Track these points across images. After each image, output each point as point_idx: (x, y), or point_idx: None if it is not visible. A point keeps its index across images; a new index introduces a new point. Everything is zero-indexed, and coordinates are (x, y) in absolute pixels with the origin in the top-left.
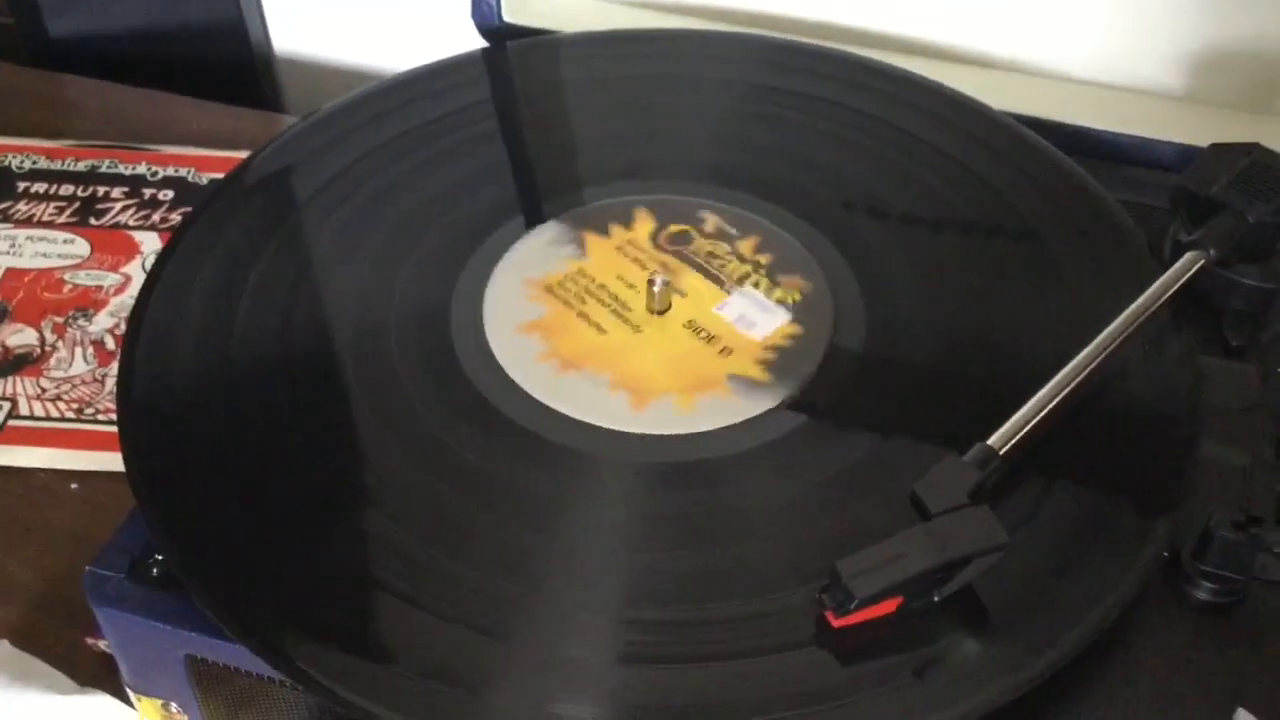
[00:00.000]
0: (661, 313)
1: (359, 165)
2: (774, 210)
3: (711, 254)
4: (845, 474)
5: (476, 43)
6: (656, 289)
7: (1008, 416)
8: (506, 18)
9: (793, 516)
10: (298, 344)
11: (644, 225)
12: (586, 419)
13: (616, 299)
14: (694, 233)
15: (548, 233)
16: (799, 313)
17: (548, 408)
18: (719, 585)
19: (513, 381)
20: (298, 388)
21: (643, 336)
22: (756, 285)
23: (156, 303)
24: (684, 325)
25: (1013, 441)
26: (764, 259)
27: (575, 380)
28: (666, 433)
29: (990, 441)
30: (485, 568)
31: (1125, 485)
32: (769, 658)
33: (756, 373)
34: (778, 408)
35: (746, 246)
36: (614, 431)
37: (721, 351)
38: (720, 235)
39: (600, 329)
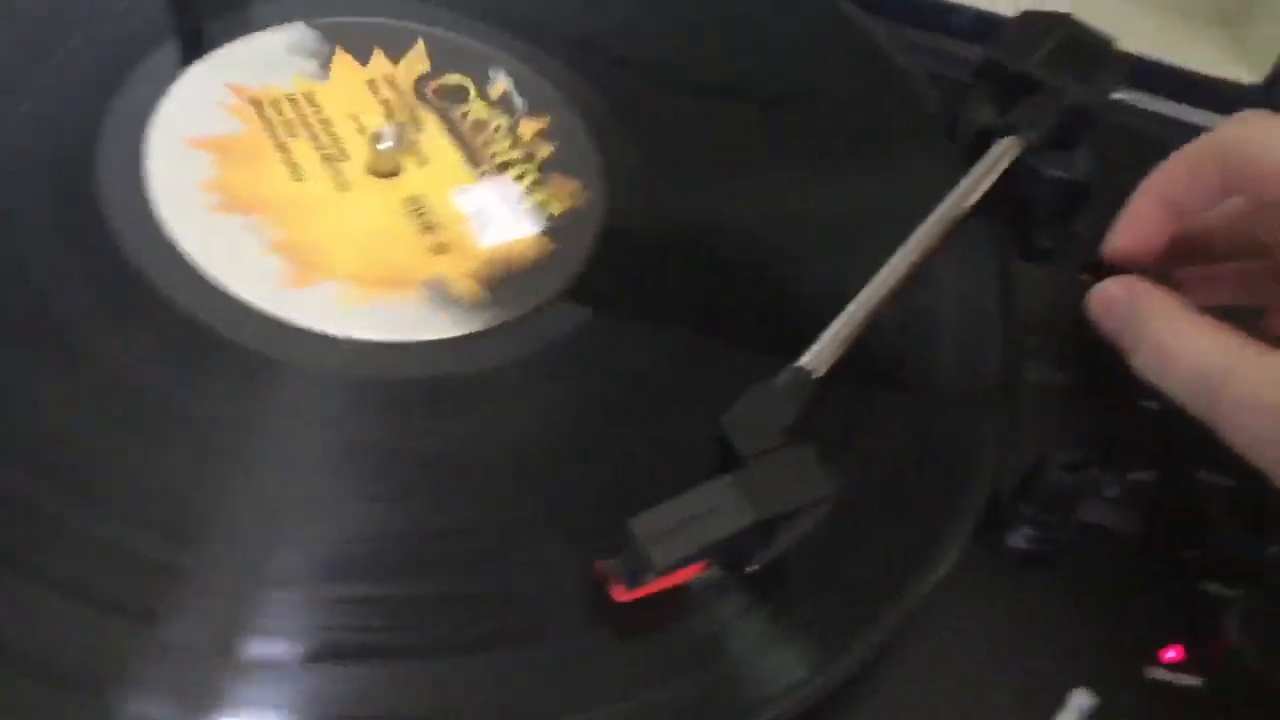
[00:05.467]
0: (384, 176)
1: None
2: (579, 85)
3: (481, 123)
4: (595, 413)
5: None
6: (383, 145)
7: (809, 329)
8: None
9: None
10: None
11: (416, 64)
12: (219, 279)
13: (336, 142)
14: (473, 92)
15: (291, 35)
16: (555, 229)
17: (174, 248)
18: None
19: (149, 206)
20: None
21: (347, 198)
22: (520, 178)
23: None
24: (404, 200)
25: (828, 362)
26: (543, 150)
27: (231, 225)
28: (317, 328)
29: (802, 362)
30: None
31: (942, 417)
32: (505, 648)
33: (464, 287)
34: (481, 333)
35: (529, 128)
36: (245, 306)
37: (435, 248)
38: (503, 104)
39: (297, 173)
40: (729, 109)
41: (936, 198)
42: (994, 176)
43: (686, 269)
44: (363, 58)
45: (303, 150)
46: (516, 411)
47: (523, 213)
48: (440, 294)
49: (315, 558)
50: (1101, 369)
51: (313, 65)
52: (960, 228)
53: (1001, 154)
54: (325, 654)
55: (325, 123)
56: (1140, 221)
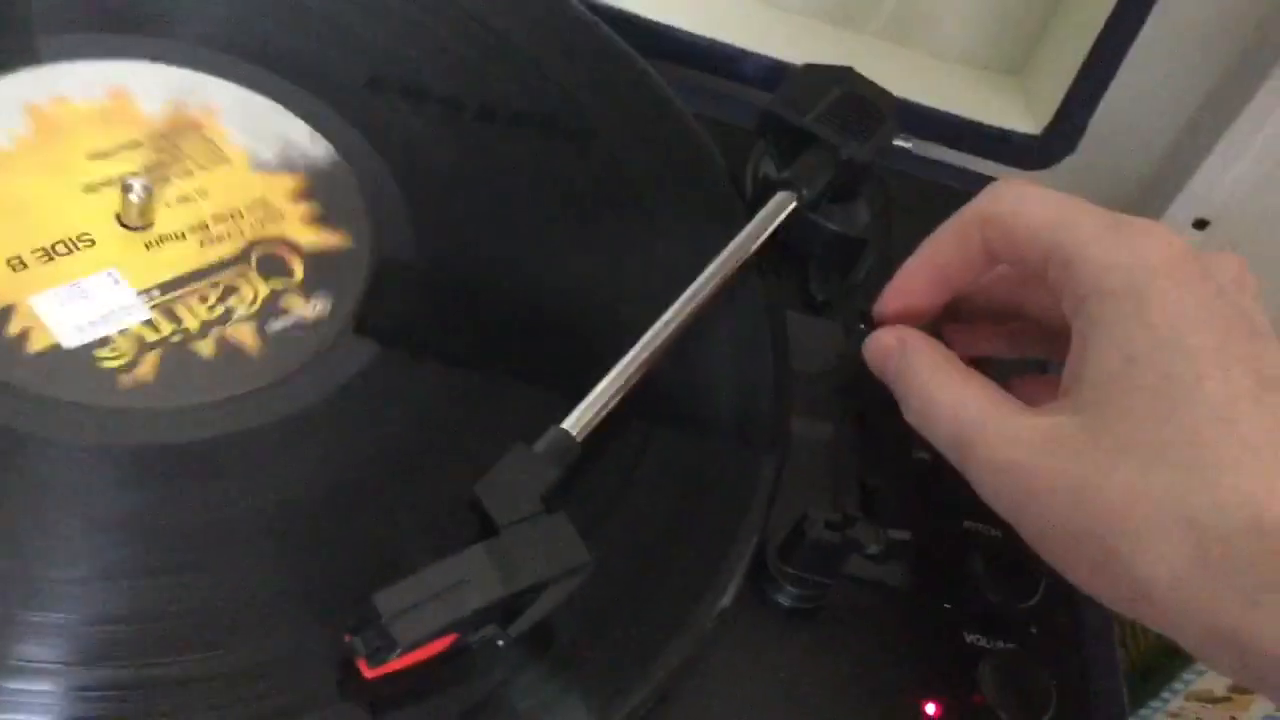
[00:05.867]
0: (122, 221)
1: None
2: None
3: (234, 293)
4: (356, 476)
5: None
6: (129, 194)
7: (581, 383)
8: None
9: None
10: None
11: (313, 236)
12: None
13: (159, 185)
14: (296, 280)
15: (319, 148)
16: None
17: None
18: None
19: None
20: None
21: (71, 189)
22: (147, 328)
23: None
24: (77, 230)
25: (591, 424)
26: (205, 349)
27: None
28: None
29: (565, 425)
30: None
31: (714, 466)
32: None
33: None
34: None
35: (240, 333)
36: None
37: (18, 263)
38: (271, 312)
39: (103, 155)
40: (509, 158)
41: (717, 249)
42: (765, 234)
43: (460, 320)
44: (309, 198)
45: (137, 159)
46: (272, 478)
47: (80, 333)
48: None
49: (59, 639)
50: (875, 417)
51: (271, 153)
52: (736, 280)
53: (776, 209)
54: None
55: (186, 174)
56: (909, 291)
